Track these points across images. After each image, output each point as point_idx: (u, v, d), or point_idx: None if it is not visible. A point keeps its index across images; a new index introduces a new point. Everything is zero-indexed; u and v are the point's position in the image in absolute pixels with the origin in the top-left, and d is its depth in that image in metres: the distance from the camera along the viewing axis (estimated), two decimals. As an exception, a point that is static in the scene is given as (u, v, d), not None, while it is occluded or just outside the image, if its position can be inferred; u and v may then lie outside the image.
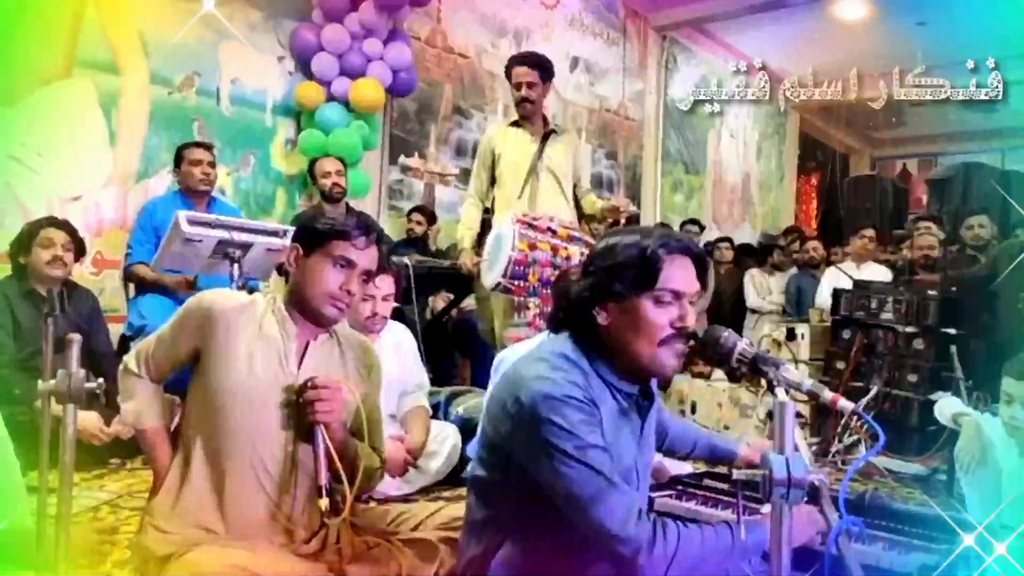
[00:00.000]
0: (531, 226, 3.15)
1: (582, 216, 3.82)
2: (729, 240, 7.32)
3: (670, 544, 1.30)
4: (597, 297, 1.40)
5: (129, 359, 1.69)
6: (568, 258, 2.95)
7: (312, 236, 1.65)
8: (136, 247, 3.58)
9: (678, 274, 1.39)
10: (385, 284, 2.75)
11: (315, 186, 4.27)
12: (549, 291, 2.94)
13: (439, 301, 4.63)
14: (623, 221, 3.68)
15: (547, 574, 1.39)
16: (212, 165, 3.67)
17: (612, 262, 1.39)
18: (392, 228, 5.22)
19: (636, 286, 1.37)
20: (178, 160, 3.69)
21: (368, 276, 1.66)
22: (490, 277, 3.20)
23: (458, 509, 1.86)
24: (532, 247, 3.07)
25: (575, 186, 3.79)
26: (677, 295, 1.38)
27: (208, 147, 3.75)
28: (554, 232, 3.17)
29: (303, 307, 1.65)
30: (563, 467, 1.30)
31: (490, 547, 1.43)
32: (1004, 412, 2.17)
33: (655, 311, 1.37)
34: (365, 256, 1.64)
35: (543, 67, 3.66)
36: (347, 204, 4.31)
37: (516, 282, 3.00)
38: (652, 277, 1.37)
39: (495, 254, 3.19)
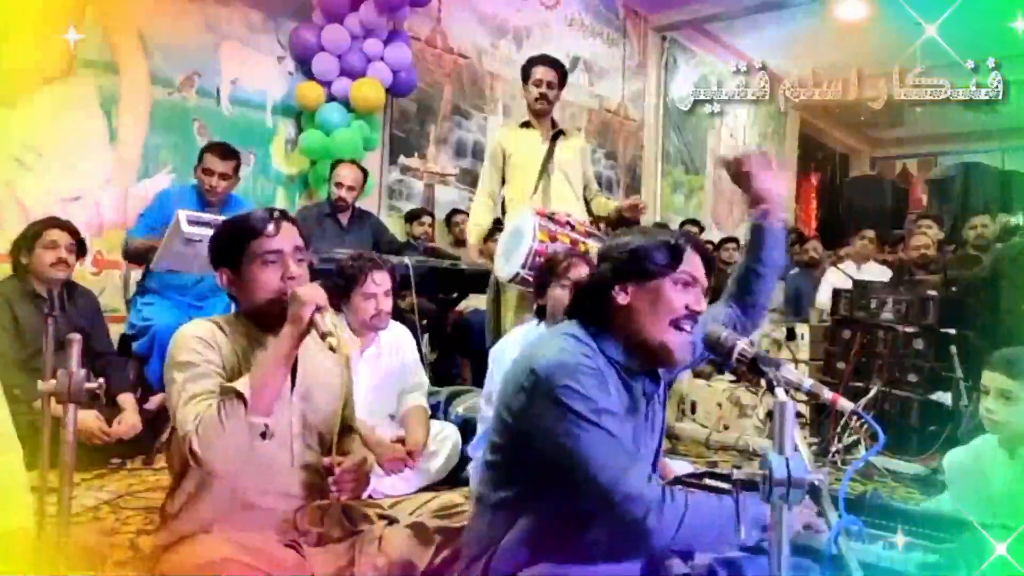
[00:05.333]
0: (551, 219, 3.19)
1: (592, 218, 3.85)
2: (735, 240, 7.31)
3: (678, 507, 1.33)
4: (618, 277, 1.46)
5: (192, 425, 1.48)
6: (587, 252, 2.95)
7: (227, 251, 1.63)
8: (138, 225, 3.53)
9: (696, 262, 1.49)
10: (384, 280, 2.78)
11: (328, 186, 4.21)
12: None
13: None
14: (641, 221, 3.74)
15: (561, 548, 1.41)
16: (224, 177, 3.48)
17: (637, 245, 1.47)
18: (392, 228, 5.22)
19: (663, 266, 1.45)
20: (200, 158, 3.55)
21: (300, 252, 1.64)
22: (507, 268, 3.21)
23: (453, 496, 1.89)
24: (552, 239, 3.10)
25: (585, 188, 3.84)
26: (694, 281, 1.47)
27: (228, 157, 3.52)
28: (572, 227, 3.23)
29: (264, 319, 1.62)
30: (577, 429, 1.34)
31: (502, 527, 1.46)
32: (982, 405, 2.19)
33: (675, 292, 1.45)
34: (284, 239, 1.61)
35: (562, 71, 3.79)
36: (353, 209, 4.26)
37: (535, 273, 3.00)
38: (678, 259, 1.46)
39: (513, 246, 3.20)
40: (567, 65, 4.05)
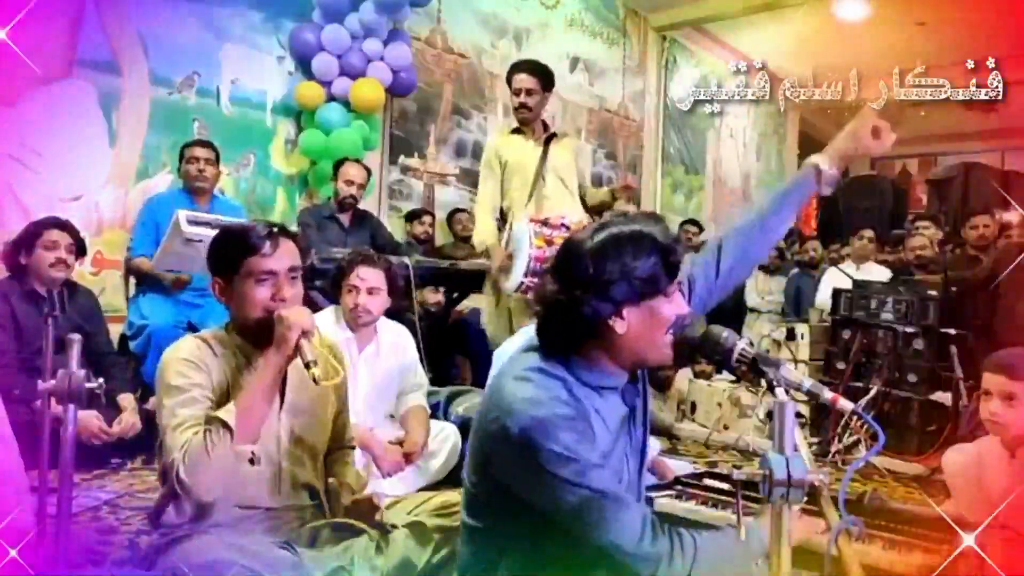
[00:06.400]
0: (545, 224, 3.19)
1: (588, 211, 3.81)
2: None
3: (687, 555, 1.29)
4: (615, 306, 1.32)
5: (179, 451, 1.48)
6: None
7: (222, 262, 1.62)
8: (137, 242, 3.61)
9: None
10: (371, 276, 2.68)
11: (333, 185, 4.21)
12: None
13: (428, 295, 4.53)
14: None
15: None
16: (209, 163, 3.67)
17: (632, 264, 1.31)
18: (392, 228, 5.22)
19: (661, 283, 1.33)
20: (181, 157, 3.71)
21: (295, 272, 1.62)
22: (512, 280, 3.21)
23: (451, 495, 1.86)
24: (549, 243, 3.11)
25: (579, 186, 3.80)
26: (678, 284, 1.38)
27: (206, 145, 3.74)
28: (568, 228, 3.20)
29: (254, 335, 1.60)
30: (566, 495, 1.26)
31: (475, 549, 1.43)
32: (984, 408, 2.16)
33: (667, 305, 1.35)
34: (280, 259, 1.59)
35: (544, 75, 3.67)
36: (355, 210, 4.27)
37: (537, 279, 3.00)
38: (675, 270, 1.33)
39: (514, 256, 3.20)
40: (567, 65, 4.01)
